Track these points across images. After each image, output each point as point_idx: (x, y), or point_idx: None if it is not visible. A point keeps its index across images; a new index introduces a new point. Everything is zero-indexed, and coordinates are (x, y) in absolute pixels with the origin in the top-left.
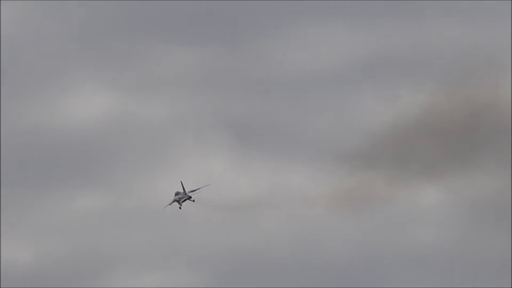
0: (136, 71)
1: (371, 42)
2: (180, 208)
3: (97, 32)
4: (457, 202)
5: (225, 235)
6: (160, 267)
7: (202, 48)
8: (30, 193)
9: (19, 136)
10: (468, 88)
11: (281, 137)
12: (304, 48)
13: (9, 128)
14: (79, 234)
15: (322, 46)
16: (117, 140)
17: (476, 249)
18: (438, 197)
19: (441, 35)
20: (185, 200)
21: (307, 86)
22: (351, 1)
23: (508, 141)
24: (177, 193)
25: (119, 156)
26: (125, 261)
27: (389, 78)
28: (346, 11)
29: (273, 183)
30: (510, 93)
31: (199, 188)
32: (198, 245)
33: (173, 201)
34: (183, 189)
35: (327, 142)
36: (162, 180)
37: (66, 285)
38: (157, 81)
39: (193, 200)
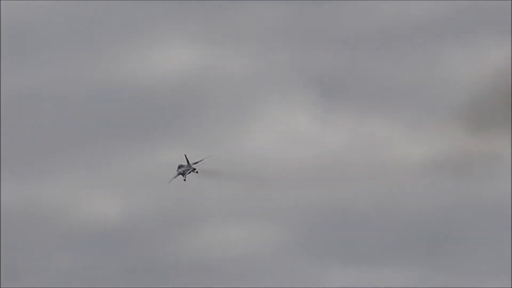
0: (222, 25)
1: None
2: (184, 180)
3: None
4: None
5: (310, 190)
6: (247, 220)
7: (287, 3)
8: (116, 146)
9: (106, 91)
10: None
11: (366, 92)
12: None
13: (96, 82)
14: (164, 188)
15: None
16: (201, 94)
17: None
18: None
19: None
20: (189, 172)
21: (392, 40)
22: None
23: None
24: (180, 166)
25: (204, 111)
26: (212, 214)
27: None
28: None
29: (356, 137)
30: None
31: (202, 160)
32: (284, 198)
33: (178, 174)
34: (187, 161)
35: (415, 95)
36: (246, 134)
37: (153, 238)
38: (242, 36)
39: (197, 172)
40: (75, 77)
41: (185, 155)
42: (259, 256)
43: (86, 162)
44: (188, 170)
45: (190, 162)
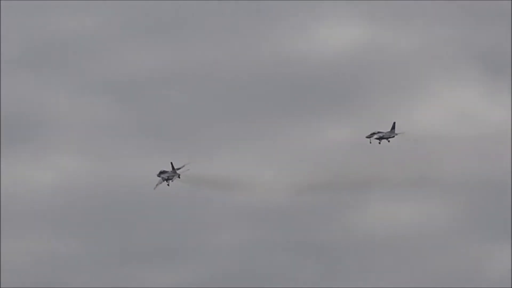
0: (388, 2)
1: None
2: (168, 185)
3: None
4: None
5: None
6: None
7: None
8: (284, 122)
9: (274, 69)
10: None
11: None
12: None
13: (265, 61)
14: (332, 163)
15: None
16: (368, 71)
17: None
18: None
19: None
20: (172, 179)
21: None
22: None
23: None
24: (162, 172)
25: (371, 87)
26: (381, 186)
27: None
28: None
29: None
30: None
31: (184, 166)
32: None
33: (163, 180)
34: (173, 168)
35: None
36: (416, 110)
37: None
38: (409, 13)
39: (179, 177)
40: (246, 55)
41: (171, 163)
42: (431, 234)
43: (257, 139)
44: (172, 176)
45: (174, 168)
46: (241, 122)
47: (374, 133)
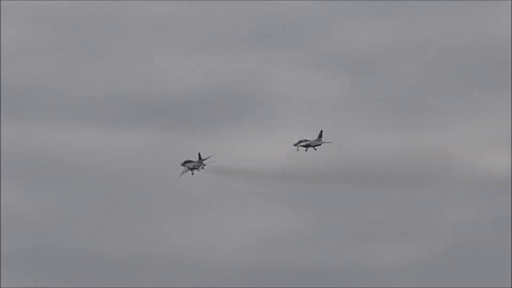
0: None
1: None
2: (192, 174)
3: None
4: None
5: None
6: None
7: None
8: None
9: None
10: None
11: None
12: None
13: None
14: None
15: None
16: None
17: None
18: None
19: None
20: (198, 168)
21: None
22: None
23: None
24: (187, 161)
25: None
26: None
27: None
28: None
29: None
30: None
31: (209, 157)
32: None
33: (188, 169)
34: (199, 158)
35: None
36: None
37: None
38: None
39: (203, 167)
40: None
41: (199, 153)
42: None
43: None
44: (198, 166)
45: (201, 158)
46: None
47: (301, 141)
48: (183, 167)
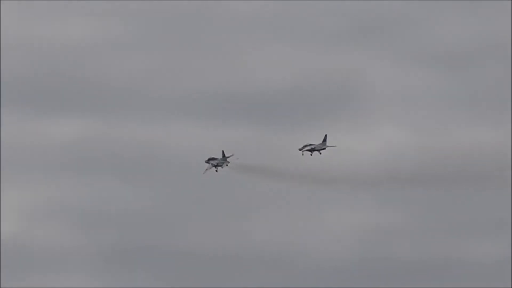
0: None
1: None
2: (216, 171)
3: None
4: None
5: None
6: None
7: None
8: None
9: None
10: None
11: None
12: None
13: None
14: None
15: None
16: None
17: None
18: None
19: None
20: (222, 165)
21: None
22: None
23: None
24: (211, 159)
25: None
26: None
27: None
28: None
29: None
30: None
31: (233, 155)
32: None
33: (212, 166)
34: (223, 155)
35: None
36: None
37: None
38: None
39: (227, 165)
40: None
41: (222, 150)
42: None
43: None
44: (222, 163)
45: (225, 156)
46: None
47: (306, 145)
48: (207, 164)
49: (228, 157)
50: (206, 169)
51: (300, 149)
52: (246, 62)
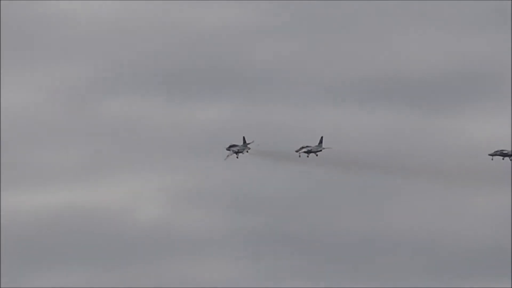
0: None
1: None
2: (237, 157)
3: None
4: None
5: None
6: None
7: None
8: None
9: None
10: None
11: None
12: None
13: None
14: None
15: None
16: None
17: None
18: None
19: None
20: (243, 152)
21: None
22: None
23: None
24: (232, 146)
25: None
26: None
27: None
28: None
29: None
30: None
31: (253, 141)
32: None
33: (233, 153)
34: (244, 141)
35: None
36: None
37: None
38: None
39: (248, 151)
40: None
41: (243, 136)
42: None
43: None
44: (243, 149)
45: (246, 142)
46: None
47: (303, 147)
48: (228, 151)
49: (248, 143)
50: (228, 156)
51: (296, 151)
52: (393, 47)
